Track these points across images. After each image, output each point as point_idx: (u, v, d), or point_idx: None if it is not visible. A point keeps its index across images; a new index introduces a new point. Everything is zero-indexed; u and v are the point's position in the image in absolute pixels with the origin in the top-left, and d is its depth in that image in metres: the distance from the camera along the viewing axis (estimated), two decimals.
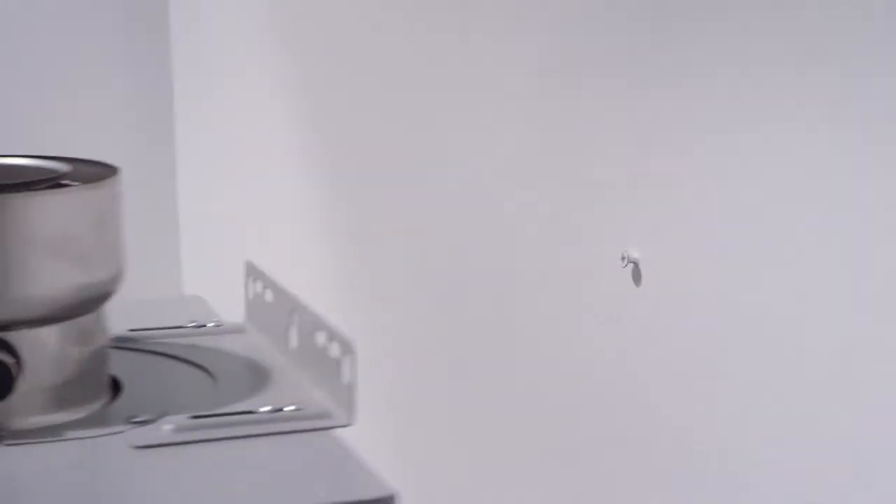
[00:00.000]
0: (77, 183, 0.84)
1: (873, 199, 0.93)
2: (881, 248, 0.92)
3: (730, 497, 1.08)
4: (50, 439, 0.80)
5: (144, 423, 0.81)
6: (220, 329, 1.00)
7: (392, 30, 1.58)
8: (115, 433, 0.81)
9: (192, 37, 2.17)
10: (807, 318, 0.99)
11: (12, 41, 2.14)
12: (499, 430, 1.42)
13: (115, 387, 0.88)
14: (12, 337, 0.80)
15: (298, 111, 1.83)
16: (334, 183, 1.76)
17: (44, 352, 0.82)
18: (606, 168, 1.20)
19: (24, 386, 0.80)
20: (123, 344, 0.95)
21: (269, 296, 0.97)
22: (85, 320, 0.84)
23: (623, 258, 1.15)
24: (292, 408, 0.83)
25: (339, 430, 0.82)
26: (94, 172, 0.86)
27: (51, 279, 0.81)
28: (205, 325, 1.00)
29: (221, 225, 2.12)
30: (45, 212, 0.81)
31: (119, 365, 0.89)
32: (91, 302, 0.84)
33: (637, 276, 1.15)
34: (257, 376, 0.91)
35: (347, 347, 0.83)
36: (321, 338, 0.87)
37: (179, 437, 0.80)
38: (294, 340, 0.92)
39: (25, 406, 0.81)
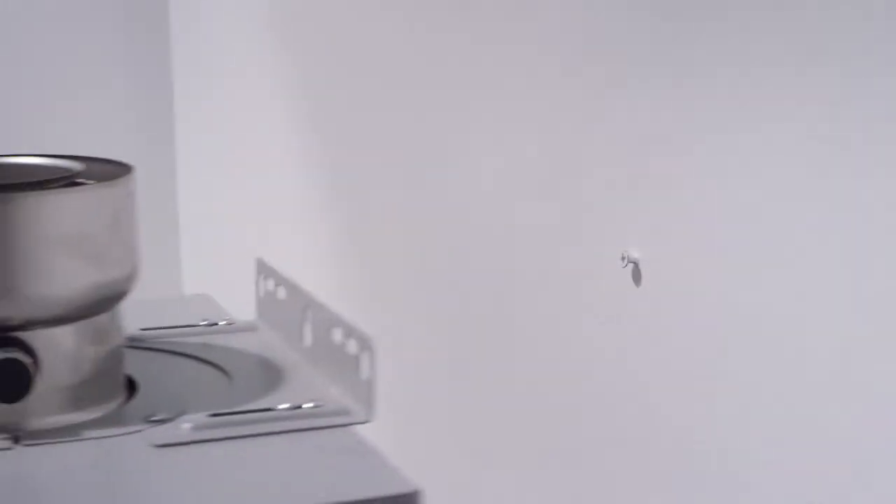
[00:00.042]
0: (92, 181, 0.84)
1: (873, 199, 0.93)
2: (881, 248, 0.92)
3: (730, 497, 1.08)
4: (68, 439, 0.79)
5: (163, 422, 0.81)
6: (232, 327, 0.99)
7: (392, 30, 1.58)
8: (133, 432, 0.80)
9: (192, 37, 2.17)
10: (807, 318, 0.99)
11: (12, 41, 2.14)
12: (499, 430, 1.42)
13: (131, 386, 0.88)
14: (29, 337, 0.80)
15: (298, 111, 1.83)
16: (334, 183, 1.76)
17: (60, 351, 0.81)
18: (606, 168, 1.20)
19: (41, 386, 0.80)
20: (136, 343, 0.94)
21: (281, 293, 0.97)
22: (100, 319, 0.83)
23: (623, 258, 1.15)
24: (311, 405, 0.83)
25: (358, 427, 0.82)
26: (108, 171, 0.86)
27: (67, 278, 0.80)
28: (216, 324, 1.00)
29: (221, 225, 2.12)
30: (60, 211, 0.80)
31: (133, 364, 0.89)
32: (106, 301, 0.83)
33: (637, 276, 1.15)
34: (272, 374, 0.90)
35: (366, 343, 0.83)
36: (337, 334, 0.87)
37: (199, 436, 0.79)
38: (308, 337, 0.92)
39: (42, 406, 0.81)
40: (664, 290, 1.13)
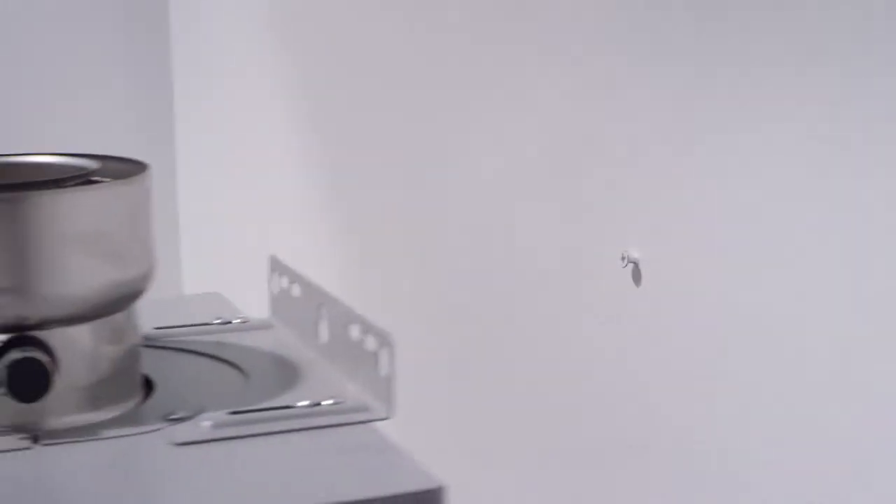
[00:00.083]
0: (108, 179, 0.84)
1: (873, 199, 0.93)
2: (881, 248, 0.93)
3: (730, 497, 1.08)
4: (87, 438, 0.79)
5: (182, 420, 0.80)
6: (247, 325, 0.99)
7: (392, 30, 1.58)
8: (152, 431, 0.80)
9: (192, 37, 2.17)
10: (807, 318, 0.99)
11: (12, 41, 2.14)
12: (499, 430, 1.42)
13: (147, 385, 0.87)
14: (46, 336, 0.79)
15: (298, 111, 1.83)
16: (334, 183, 1.76)
17: (78, 350, 0.81)
18: (606, 168, 1.20)
19: (60, 385, 0.79)
20: (151, 342, 0.94)
21: (295, 290, 0.96)
22: (117, 318, 0.83)
23: (623, 258, 1.15)
24: (330, 402, 0.82)
25: (378, 423, 0.81)
26: (124, 169, 0.86)
27: (84, 277, 0.80)
28: (230, 322, 0.99)
29: (221, 225, 2.12)
30: (77, 209, 0.80)
31: (149, 363, 0.88)
32: (124, 299, 0.83)
33: (637, 276, 1.15)
34: (289, 371, 0.90)
35: (385, 339, 0.82)
36: (355, 331, 0.86)
37: (219, 434, 0.79)
38: (324, 334, 0.91)
39: (60, 405, 0.80)
40: (664, 290, 1.13)
